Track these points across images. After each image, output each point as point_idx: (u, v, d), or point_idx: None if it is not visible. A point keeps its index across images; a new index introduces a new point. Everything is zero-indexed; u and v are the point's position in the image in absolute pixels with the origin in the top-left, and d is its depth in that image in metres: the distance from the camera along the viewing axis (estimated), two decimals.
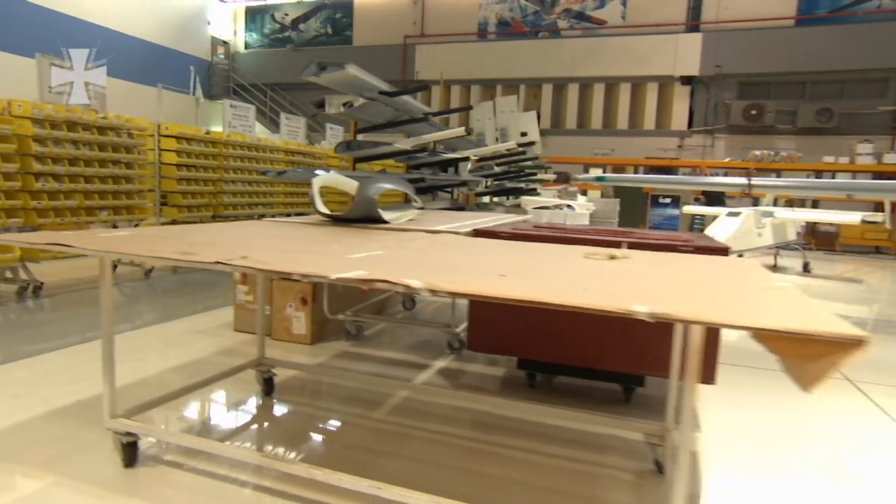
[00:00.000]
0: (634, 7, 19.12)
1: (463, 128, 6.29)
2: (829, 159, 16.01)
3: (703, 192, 15.43)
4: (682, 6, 18.66)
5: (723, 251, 2.82)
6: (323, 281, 1.50)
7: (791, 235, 10.57)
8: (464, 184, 10.98)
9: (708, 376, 2.91)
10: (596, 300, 1.29)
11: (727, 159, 17.63)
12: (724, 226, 9.01)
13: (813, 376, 1.12)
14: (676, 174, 16.65)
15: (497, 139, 11.76)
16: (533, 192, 9.82)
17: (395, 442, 2.71)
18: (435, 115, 8.06)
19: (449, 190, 11.45)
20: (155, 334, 4.55)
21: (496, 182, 10.55)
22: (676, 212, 17.03)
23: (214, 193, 8.68)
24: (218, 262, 1.65)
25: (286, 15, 23.27)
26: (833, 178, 15.80)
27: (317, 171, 3.97)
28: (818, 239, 15.50)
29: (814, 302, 1.48)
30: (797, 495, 2.40)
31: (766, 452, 2.83)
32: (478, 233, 3.22)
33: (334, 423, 2.94)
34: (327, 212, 3.49)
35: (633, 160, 18.78)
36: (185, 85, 17.36)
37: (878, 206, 14.77)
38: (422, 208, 5.56)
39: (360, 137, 7.41)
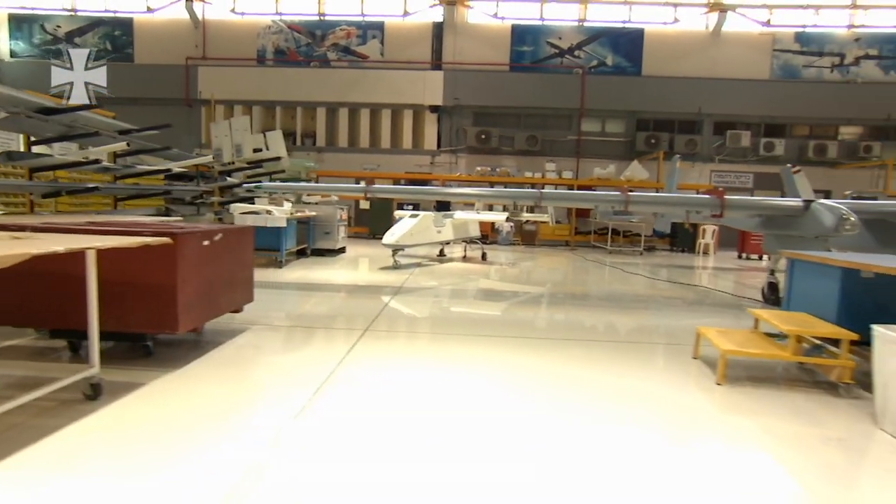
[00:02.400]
0: (391, 46, 20.89)
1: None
2: (528, 174, 19.17)
3: (437, 201, 17.48)
4: (428, 48, 20.85)
5: (168, 235, 3.73)
6: None
7: (473, 232, 12.65)
8: (201, 195, 11.34)
9: (168, 324, 3.83)
10: None
11: (465, 174, 20.10)
12: (402, 224, 10.62)
13: None
14: (429, 185, 18.60)
15: (233, 154, 12.17)
16: (250, 200, 10.55)
17: None
18: (133, 131, 8.42)
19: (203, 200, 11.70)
20: None
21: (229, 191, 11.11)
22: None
23: None
24: None
25: (59, 27, 21.21)
26: (532, 188, 18.94)
27: None
28: (524, 235, 18.45)
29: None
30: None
31: None
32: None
33: None
34: None
35: (395, 174, 20.43)
36: None
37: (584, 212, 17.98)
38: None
39: (35, 149, 7.51)
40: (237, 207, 9.62)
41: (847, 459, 3.05)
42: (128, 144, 7.17)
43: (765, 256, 16.01)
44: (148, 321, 3.88)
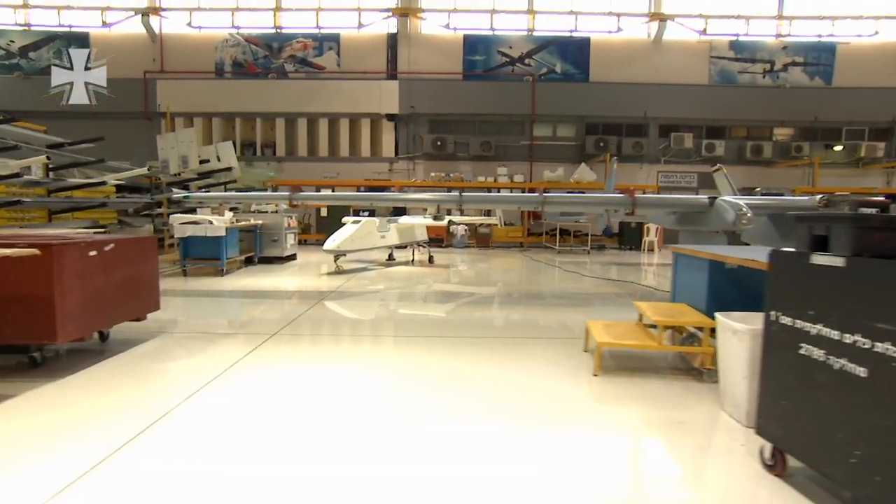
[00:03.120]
0: (347, 57, 20.87)
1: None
2: (480, 178, 19.33)
3: (394, 207, 17.48)
4: (383, 58, 20.88)
5: (42, 247, 3.68)
6: None
7: (420, 236, 12.68)
8: (149, 206, 11.13)
9: (47, 334, 3.77)
10: None
11: (422, 180, 20.15)
12: (344, 230, 10.60)
13: None
14: (387, 191, 18.58)
15: (179, 165, 12.06)
16: (193, 211, 10.41)
17: None
18: (66, 144, 8.22)
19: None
20: None
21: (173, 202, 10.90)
22: None
23: None
24: None
25: (12, 42, 20.65)
26: (489, 192, 19.08)
27: None
28: (478, 238, 18.56)
29: None
30: None
31: None
32: None
33: None
34: None
35: (355, 181, 20.36)
36: None
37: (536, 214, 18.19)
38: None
39: None
40: (176, 218, 9.48)
41: (681, 440, 3.16)
42: (48, 158, 7.01)
43: None
44: (26, 332, 3.82)
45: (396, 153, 21.02)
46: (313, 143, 21.07)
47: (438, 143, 20.44)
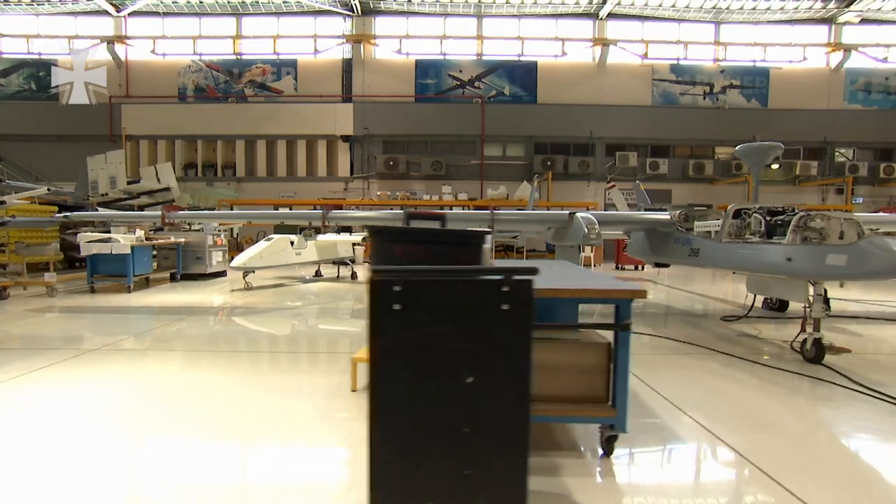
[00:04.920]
0: (303, 81, 21.01)
1: None
2: (426, 197, 19.32)
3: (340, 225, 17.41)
4: (338, 82, 21.03)
5: None
6: None
7: (343, 253, 12.57)
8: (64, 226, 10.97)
9: None
10: None
11: (375, 199, 20.14)
12: (254, 247, 10.50)
13: None
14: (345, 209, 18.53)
15: (109, 185, 12.00)
16: (106, 230, 10.31)
17: None
18: None
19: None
20: None
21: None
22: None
23: None
24: None
25: None
26: (441, 209, 19.04)
27: None
28: None
29: None
30: None
31: None
32: None
33: None
34: None
35: (312, 200, 20.30)
36: None
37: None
38: None
39: None
40: (83, 236, 9.39)
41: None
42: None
43: (639, 266, 16.35)
44: None
45: (352, 173, 21.05)
46: (272, 163, 21.10)
47: (391, 162, 20.47)
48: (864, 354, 5.41)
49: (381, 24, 20.78)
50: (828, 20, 20.55)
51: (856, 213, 9.24)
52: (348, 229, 17.38)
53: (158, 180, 13.97)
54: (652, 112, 21.09)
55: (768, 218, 5.48)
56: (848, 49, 20.52)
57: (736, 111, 20.81)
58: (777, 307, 8.12)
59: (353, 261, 12.91)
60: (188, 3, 20.24)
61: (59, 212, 12.18)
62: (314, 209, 17.58)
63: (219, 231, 12.52)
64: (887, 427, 3.43)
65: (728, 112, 20.80)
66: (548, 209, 18.14)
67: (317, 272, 12.67)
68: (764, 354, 5.30)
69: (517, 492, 1.73)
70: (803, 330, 5.06)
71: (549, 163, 20.52)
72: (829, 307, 7.79)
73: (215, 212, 12.91)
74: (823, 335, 4.98)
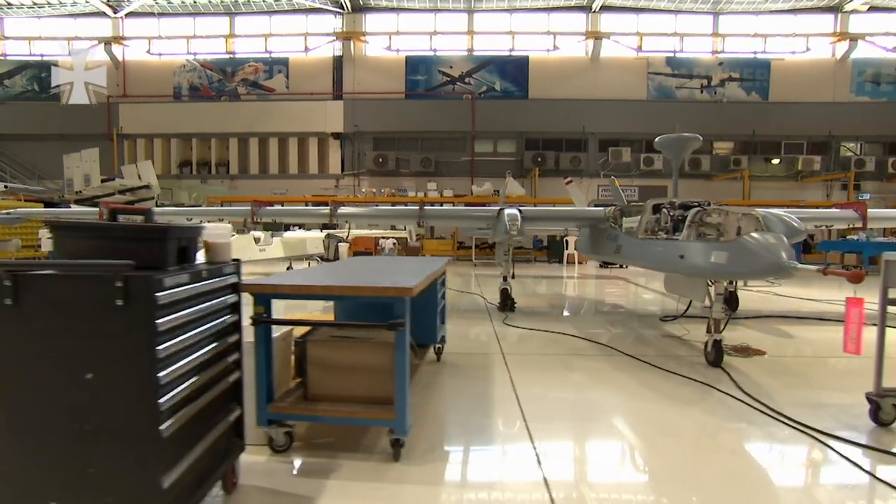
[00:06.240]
0: (295, 79, 21.18)
1: None
2: (411, 193, 19.26)
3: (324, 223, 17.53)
4: (329, 80, 21.12)
5: None
6: None
7: (312, 250, 12.63)
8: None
9: None
10: None
11: (366, 195, 20.18)
12: None
13: None
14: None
15: (84, 181, 12.27)
16: None
17: None
18: None
19: None
20: None
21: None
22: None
23: None
24: None
25: None
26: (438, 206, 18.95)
27: None
28: (408, 251, 18.38)
29: None
30: None
31: None
32: None
33: None
34: None
35: (303, 198, 20.51)
36: None
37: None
38: None
39: None
40: (45, 232, 9.64)
41: None
42: None
43: (625, 265, 16.00)
44: None
45: (343, 170, 21.15)
46: (264, 161, 21.33)
47: (380, 159, 20.49)
48: (778, 357, 5.18)
49: (371, 21, 20.79)
50: (833, 9, 19.75)
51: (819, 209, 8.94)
52: (334, 226, 17.46)
53: (139, 178, 14.29)
54: (647, 106, 20.60)
55: (673, 213, 5.28)
56: (855, 38, 19.68)
57: (735, 105, 20.18)
58: (728, 307, 7.84)
59: (324, 258, 12.96)
60: (182, 3, 20.59)
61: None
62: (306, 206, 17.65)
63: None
64: (732, 432, 3.26)
65: (727, 106, 20.19)
66: (535, 206, 17.92)
67: (288, 268, 12.76)
68: (671, 357, 5.11)
69: (150, 489, 1.68)
70: (709, 331, 4.86)
71: (539, 159, 20.25)
72: (733, 308, 7.59)
73: (159, 209, 12.82)
74: (724, 337, 4.78)
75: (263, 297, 2.74)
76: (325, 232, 12.01)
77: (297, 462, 2.76)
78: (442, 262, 4.57)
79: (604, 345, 5.49)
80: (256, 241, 11.10)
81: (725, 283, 4.68)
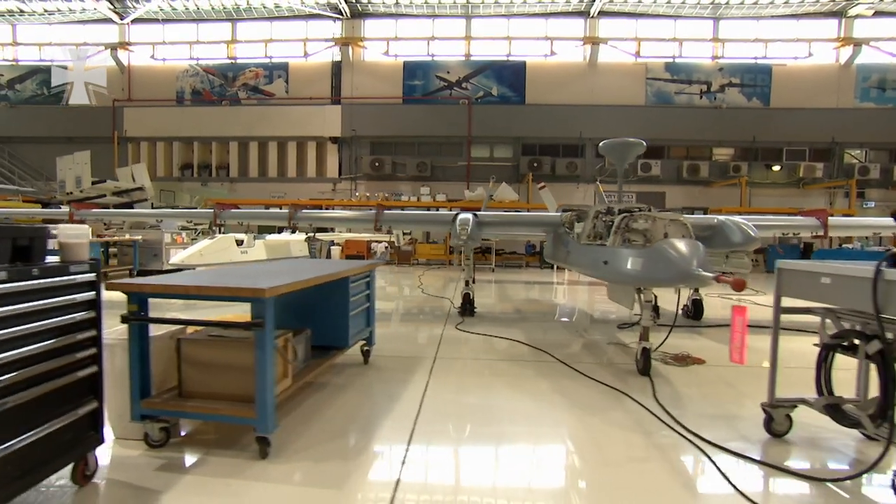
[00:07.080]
0: (294, 84, 21.49)
1: None
2: (405, 198, 19.36)
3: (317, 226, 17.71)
4: (327, 85, 21.40)
5: None
6: None
7: (296, 252, 12.78)
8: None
9: None
10: None
11: (362, 199, 20.34)
12: (197, 244, 10.81)
13: None
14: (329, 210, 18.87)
15: (76, 183, 12.58)
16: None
17: None
18: None
19: None
20: None
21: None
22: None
23: None
24: None
25: (1, 75, 22.27)
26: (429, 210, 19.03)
27: None
28: (400, 255, 18.51)
29: None
30: None
31: None
32: None
33: None
34: None
35: (301, 201, 20.69)
36: None
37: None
38: None
39: None
40: None
41: None
42: None
43: None
44: None
45: (340, 174, 21.36)
46: (264, 164, 21.66)
47: (376, 164, 20.65)
48: (716, 366, 5.13)
49: (369, 27, 21.03)
50: (837, 14, 19.42)
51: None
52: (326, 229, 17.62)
53: (134, 180, 14.63)
54: (645, 112, 20.46)
55: (605, 219, 5.27)
56: (859, 44, 19.32)
57: (735, 111, 19.94)
58: (692, 315, 7.76)
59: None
60: (186, 9, 21.07)
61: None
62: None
63: (180, 230, 12.96)
64: (620, 443, 3.25)
65: (726, 111, 19.96)
66: (527, 211, 17.94)
67: None
68: (607, 365, 5.08)
69: None
70: (641, 339, 4.83)
71: (535, 164, 20.21)
72: (697, 316, 7.50)
73: (125, 210, 12.86)
74: (652, 345, 4.75)
75: (136, 295, 2.83)
76: (307, 235, 12.12)
77: (168, 457, 2.83)
78: (357, 265, 4.61)
79: (543, 351, 5.48)
80: (239, 243, 11.26)
81: (653, 291, 4.64)
